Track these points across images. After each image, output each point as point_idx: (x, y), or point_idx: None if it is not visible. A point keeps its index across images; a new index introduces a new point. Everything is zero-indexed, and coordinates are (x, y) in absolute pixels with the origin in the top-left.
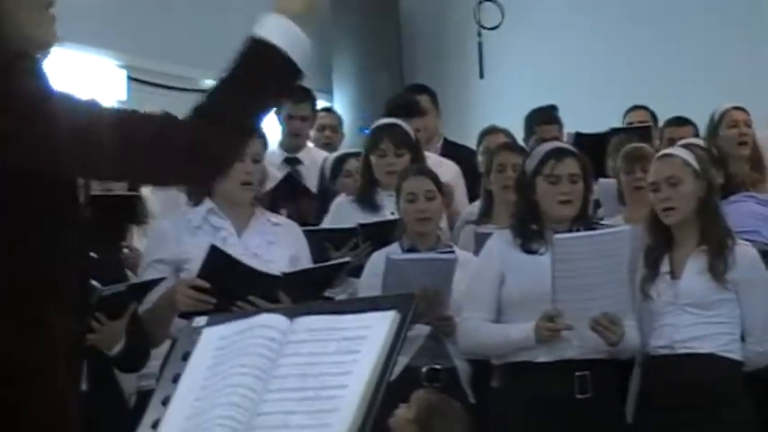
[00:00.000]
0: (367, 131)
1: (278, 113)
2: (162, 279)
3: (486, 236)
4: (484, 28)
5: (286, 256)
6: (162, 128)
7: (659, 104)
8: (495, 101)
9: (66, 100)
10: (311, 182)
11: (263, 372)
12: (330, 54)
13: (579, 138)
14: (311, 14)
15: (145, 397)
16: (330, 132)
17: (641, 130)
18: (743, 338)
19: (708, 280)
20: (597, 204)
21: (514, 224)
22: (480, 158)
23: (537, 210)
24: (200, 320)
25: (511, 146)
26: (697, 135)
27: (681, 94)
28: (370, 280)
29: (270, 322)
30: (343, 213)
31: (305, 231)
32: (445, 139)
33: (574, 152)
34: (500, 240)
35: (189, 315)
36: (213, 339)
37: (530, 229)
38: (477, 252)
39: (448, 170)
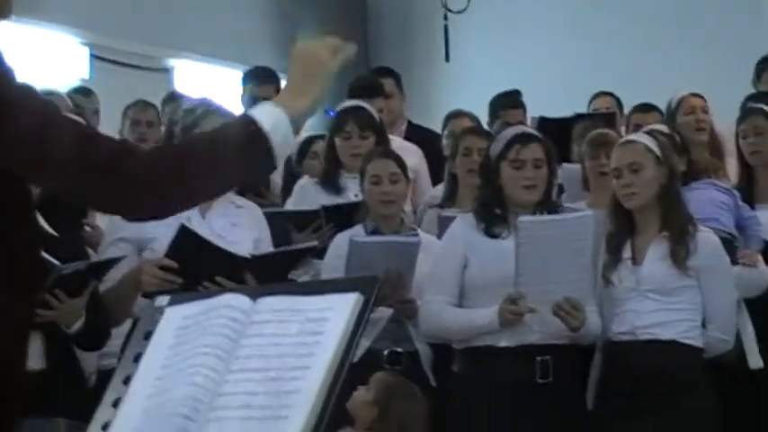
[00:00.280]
0: (332, 113)
1: (242, 95)
2: (122, 258)
3: (450, 220)
4: (450, 11)
5: (250, 239)
6: (120, 150)
7: (625, 91)
8: (460, 84)
9: (25, 91)
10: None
11: (226, 352)
12: (295, 35)
13: (543, 122)
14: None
15: (106, 376)
16: None
17: (606, 117)
18: (704, 325)
19: (669, 266)
20: (561, 189)
21: (478, 208)
22: (445, 142)
23: (501, 194)
24: (162, 300)
25: (476, 130)
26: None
27: (646, 82)
28: (334, 262)
29: (233, 302)
30: (306, 195)
31: (268, 213)
32: (409, 123)
33: (539, 137)
34: (463, 224)
35: (153, 294)
36: (176, 319)
37: (493, 214)
38: (440, 236)
39: (412, 154)
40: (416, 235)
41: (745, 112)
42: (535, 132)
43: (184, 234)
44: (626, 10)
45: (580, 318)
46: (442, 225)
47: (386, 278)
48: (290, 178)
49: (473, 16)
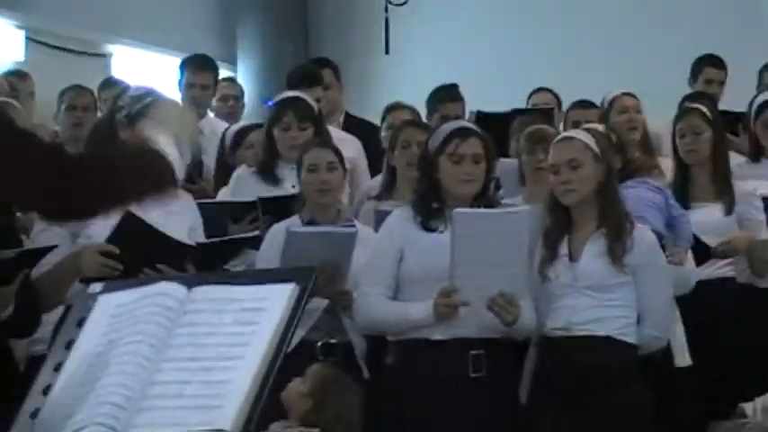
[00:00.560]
0: (270, 103)
1: (179, 81)
2: (55, 246)
3: (387, 213)
4: (391, 3)
5: (185, 228)
6: (54, 152)
7: (564, 88)
8: (399, 77)
9: None
10: (211, 152)
11: (159, 340)
12: (234, 24)
13: (481, 116)
14: None
15: (36, 362)
16: (233, 102)
17: (544, 112)
18: (638, 322)
19: (606, 263)
20: (498, 184)
21: (416, 201)
22: (384, 134)
23: (439, 188)
24: (96, 287)
25: (416, 123)
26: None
27: (586, 79)
28: (269, 252)
29: (167, 290)
30: (243, 185)
31: (205, 203)
32: (347, 114)
33: (478, 132)
34: (400, 217)
35: (91, 280)
36: (109, 306)
37: (431, 207)
38: (377, 229)
39: (350, 145)
40: (353, 226)
41: (682, 112)
42: (474, 127)
43: (130, 220)
44: (567, 7)
45: (514, 312)
46: (378, 219)
47: (322, 269)
48: (224, 168)
49: (414, 9)
